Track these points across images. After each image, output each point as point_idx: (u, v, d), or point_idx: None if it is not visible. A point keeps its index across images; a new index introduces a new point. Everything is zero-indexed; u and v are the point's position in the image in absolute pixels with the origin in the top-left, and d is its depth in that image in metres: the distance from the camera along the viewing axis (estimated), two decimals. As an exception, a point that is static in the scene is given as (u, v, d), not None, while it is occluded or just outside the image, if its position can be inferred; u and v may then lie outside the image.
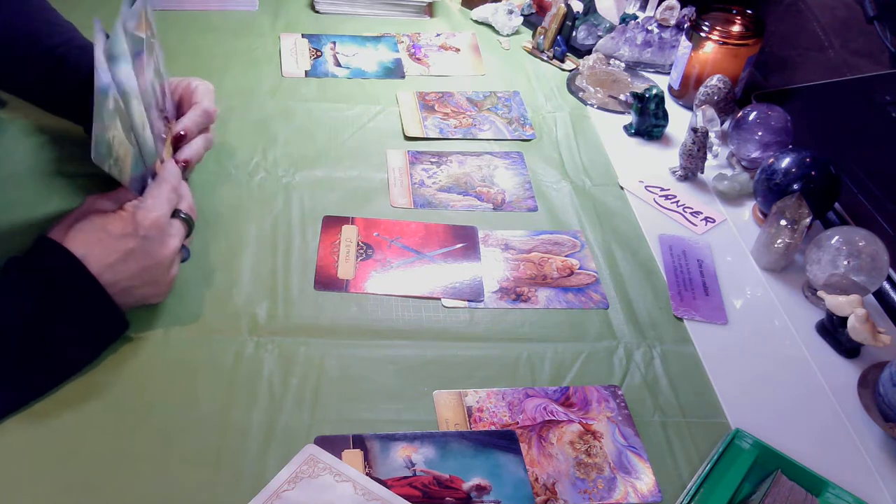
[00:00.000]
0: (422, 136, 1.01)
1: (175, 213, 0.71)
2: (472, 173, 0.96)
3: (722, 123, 1.03)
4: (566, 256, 0.86)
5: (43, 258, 0.64)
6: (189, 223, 0.72)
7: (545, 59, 1.20)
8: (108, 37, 0.65)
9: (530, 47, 1.22)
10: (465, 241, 0.86)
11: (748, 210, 0.97)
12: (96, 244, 0.65)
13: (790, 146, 0.98)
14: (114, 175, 0.64)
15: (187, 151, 0.78)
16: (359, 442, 0.65)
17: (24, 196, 0.82)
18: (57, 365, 0.64)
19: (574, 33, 1.20)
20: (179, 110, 0.82)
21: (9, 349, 0.61)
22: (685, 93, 1.12)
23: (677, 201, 0.97)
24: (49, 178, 0.84)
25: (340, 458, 0.63)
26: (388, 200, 0.90)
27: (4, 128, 0.90)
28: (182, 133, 0.78)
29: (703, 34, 1.07)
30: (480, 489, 0.63)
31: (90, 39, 0.80)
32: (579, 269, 0.85)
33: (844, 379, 0.77)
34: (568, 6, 1.18)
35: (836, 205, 0.95)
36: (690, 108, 1.06)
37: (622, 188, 0.98)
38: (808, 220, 0.86)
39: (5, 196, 0.81)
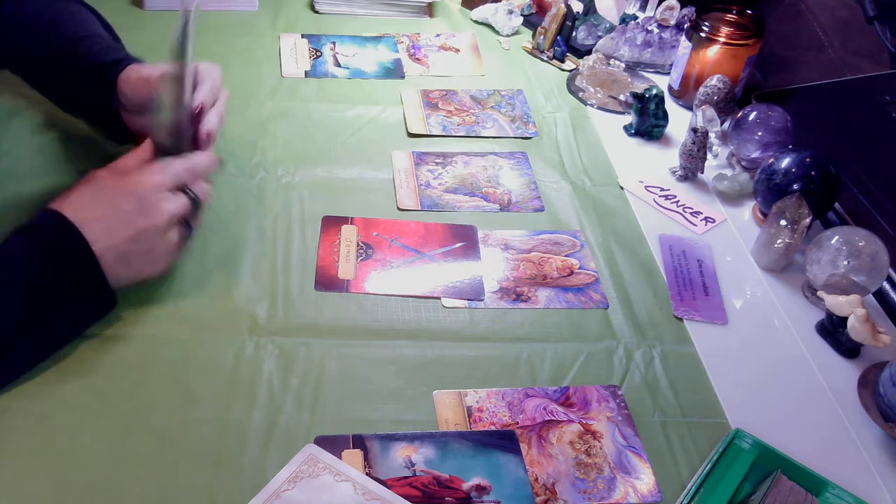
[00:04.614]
0: (425, 132, 1.01)
1: (182, 190, 0.71)
2: (477, 174, 0.96)
3: (722, 123, 1.03)
4: (566, 256, 0.86)
5: (39, 224, 0.64)
6: (196, 202, 0.72)
7: (545, 59, 1.20)
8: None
9: (530, 47, 1.22)
10: (464, 240, 0.86)
11: (748, 210, 0.97)
12: (91, 205, 0.65)
13: (790, 146, 0.98)
14: (166, 86, 0.70)
15: (207, 124, 0.78)
16: (359, 442, 0.65)
17: (24, 194, 0.82)
18: (42, 337, 0.65)
19: (574, 33, 1.20)
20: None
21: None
22: (685, 93, 1.12)
23: (677, 201, 0.97)
24: (51, 177, 0.84)
25: (340, 458, 0.63)
26: (389, 200, 0.90)
27: (8, 124, 0.90)
28: (199, 108, 0.78)
29: (702, 34, 1.07)
30: (480, 489, 0.63)
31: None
32: (579, 268, 0.85)
33: (844, 379, 0.77)
34: (568, 6, 1.18)
35: (836, 205, 0.95)
36: (690, 108, 1.06)
37: (622, 188, 0.98)
38: (808, 220, 0.86)
39: (6, 192, 0.81)
